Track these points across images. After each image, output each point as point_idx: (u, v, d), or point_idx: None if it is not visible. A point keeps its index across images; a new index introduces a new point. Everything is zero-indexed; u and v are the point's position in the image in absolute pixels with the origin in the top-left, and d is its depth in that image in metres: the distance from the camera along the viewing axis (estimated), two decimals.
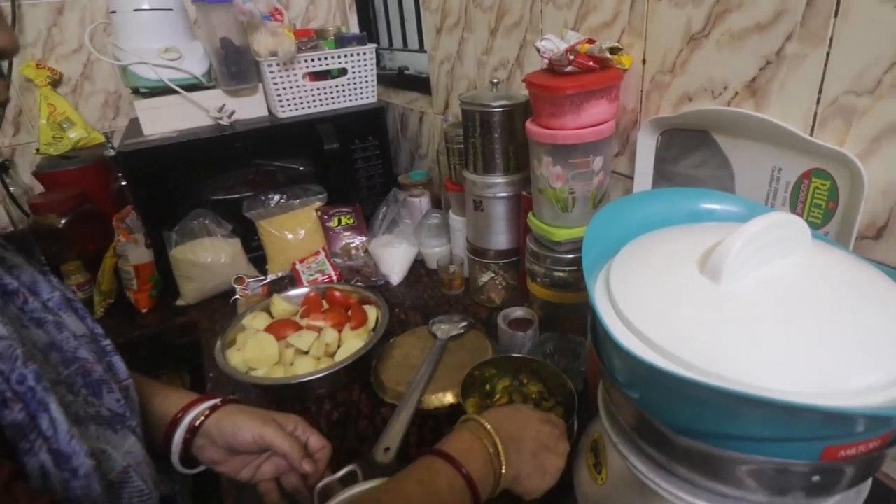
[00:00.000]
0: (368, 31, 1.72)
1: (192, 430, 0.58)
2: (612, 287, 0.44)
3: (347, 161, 1.30)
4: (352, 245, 1.26)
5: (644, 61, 0.73)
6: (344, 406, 0.81)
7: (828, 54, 0.53)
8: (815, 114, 0.55)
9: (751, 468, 0.36)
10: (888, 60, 0.49)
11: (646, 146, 0.74)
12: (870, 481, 0.42)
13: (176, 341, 1.15)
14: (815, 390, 0.33)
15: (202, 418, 0.58)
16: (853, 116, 0.52)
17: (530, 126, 0.77)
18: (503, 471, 0.51)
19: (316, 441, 0.61)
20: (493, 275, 1.03)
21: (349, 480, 0.57)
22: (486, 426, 0.53)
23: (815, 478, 0.35)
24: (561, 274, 0.83)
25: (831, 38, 0.52)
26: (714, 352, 0.35)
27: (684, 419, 0.37)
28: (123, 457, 0.44)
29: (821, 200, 0.56)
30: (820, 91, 0.54)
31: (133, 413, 0.49)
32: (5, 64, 0.41)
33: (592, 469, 0.51)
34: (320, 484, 0.57)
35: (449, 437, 0.53)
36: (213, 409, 0.59)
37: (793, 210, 0.59)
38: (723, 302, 0.39)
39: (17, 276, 0.46)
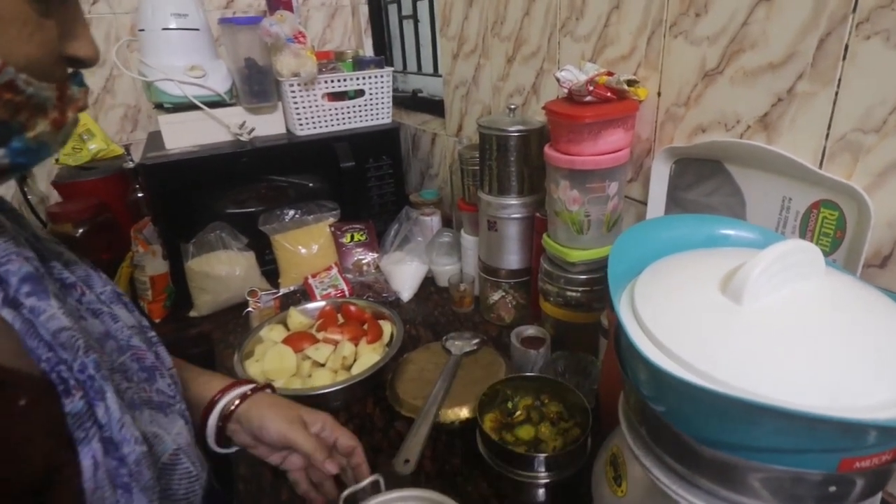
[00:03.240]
0: (383, 54, 1.77)
1: (226, 416, 0.61)
2: (636, 304, 0.46)
3: (361, 179, 1.34)
4: (363, 261, 1.28)
5: (659, 94, 0.76)
6: (359, 418, 0.83)
7: (836, 94, 0.56)
8: (824, 148, 0.59)
9: (771, 478, 0.38)
10: (893, 102, 0.52)
11: (660, 173, 0.77)
12: (879, 496, 0.44)
13: (188, 352, 1.16)
14: (829, 404, 0.35)
15: (234, 406, 0.61)
16: (860, 152, 0.56)
17: (549, 151, 0.80)
18: None
19: (345, 440, 0.63)
20: (503, 293, 1.05)
21: (373, 490, 0.59)
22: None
23: (832, 488, 0.37)
24: (574, 294, 0.85)
25: (839, 79, 0.56)
26: (737, 366, 0.38)
27: (709, 430, 0.39)
28: (174, 439, 0.46)
29: (829, 230, 0.59)
30: (829, 127, 0.58)
31: (181, 397, 0.51)
32: (84, 73, 0.44)
33: (612, 482, 0.53)
34: (345, 493, 0.58)
35: None
36: (244, 397, 0.62)
37: (802, 237, 0.62)
38: (744, 321, 0.41)
39: (74, 271, 0.49)
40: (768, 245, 0.43)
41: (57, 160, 1.45)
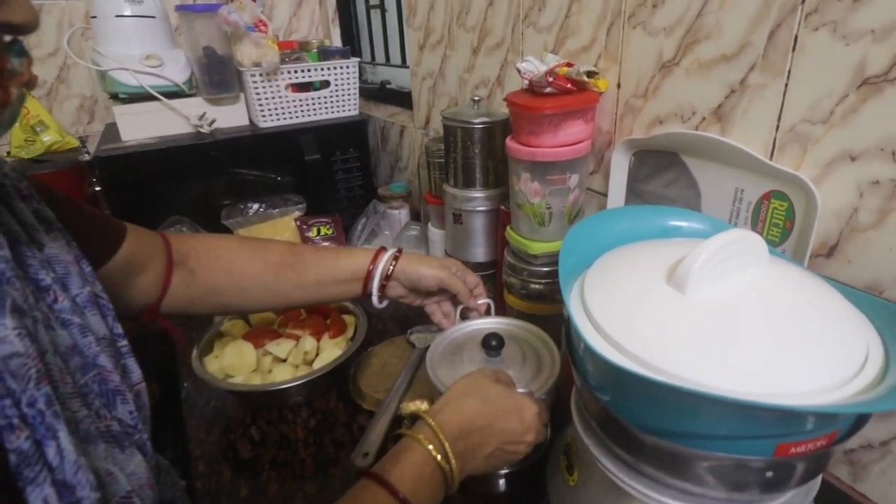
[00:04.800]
0: (351, 45, 1.74)
1: (387, 277, 0.75)
2: (585, 296, 0.46)
3: (328, 172, 1.32)
4: None
5: (619, 85, 0.77)
6: (321, 413, 0.82)
7: (786, 85, 0.57)
8: (775, 139, 0.60)
9: (711, 465, 0.38)
10: (839, 93, 0.53)
11: (619, 165, 0.77)
12: (819, 480, 0.45)
13: (150, 350, 1.13)
14: (768, 391, 0.35)
15: (392, 267, 0.75)
16: (808, 143, 0.57)
17: (510, 143, 0.80)
18: (454, 484, 0.49)
19: (472, 278, 0.79)
20: None
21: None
22: (444, 442, 0.48)
23: (769, 473, 0.38)
24: (536, 286, 0.85)
25: (789, 71, 0.56)
26: (678, 355, 0.38)
27: (650, 419, 0.40)
28: (128, 479, 0.42)
29: (779, 220, 0.60)
30: (779, 119, 0.59)
31: (144, 424, 0.47)
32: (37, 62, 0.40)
33: (565, 471, 0.53)
34: (460, 307, 0.79)
35: (398, 457, 0.48)
36: (396, 258, 0.76)
37: (753, 228, 0.63)
38: (687, 310, 0.41)
39: (54, 269, 0.45)
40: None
41: (9, 153, 1.39)
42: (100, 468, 0.40)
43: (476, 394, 0.54)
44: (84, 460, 0.37)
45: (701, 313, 0.41)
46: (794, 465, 0.38)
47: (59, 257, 0.46)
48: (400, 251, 0.77)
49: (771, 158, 0.60)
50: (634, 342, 0.39)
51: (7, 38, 0.37)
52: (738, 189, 0.64)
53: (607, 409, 0.43)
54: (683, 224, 0.57)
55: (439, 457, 0.47)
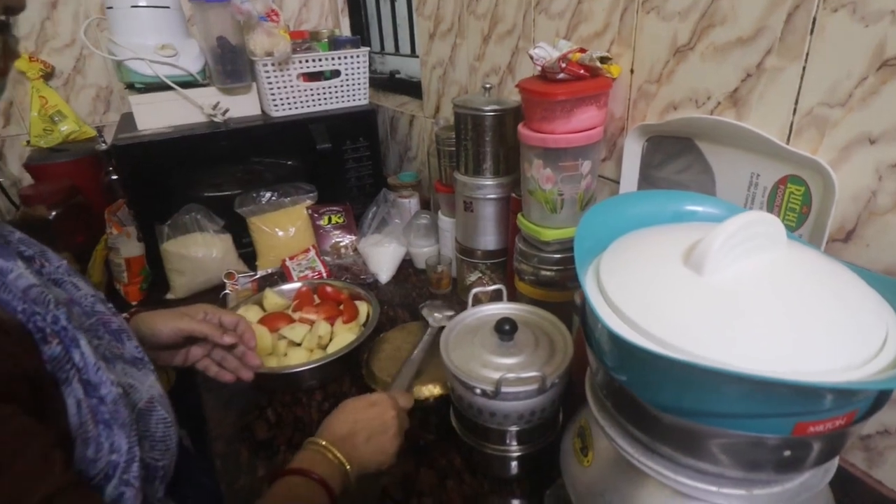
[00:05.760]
0: (360, 34, 1.74)
1: None
2: (601, 278, 0.46)
3: (338, 161, 1.32)
4: (341, 244, 1.27)
5: (632, 71, 0.76)
6: (334, 398, 0.83)
7: (804, 68, 0.57)
8: (792, 123, 0.59)
9: (729, 443, 0.38)
10: (858, 75, 0.52)
11: (632, 151, 0.77)
12: (836, 462, 0.45)
13: None
14: (786, 369, 0.35)
15: None
16: (826, 126, 0.56)
17: (522, 130, 0.79)
18: (348, 468, 0.57)
19: (228, 319, 0.71)
20: (480, 274, 1.05)
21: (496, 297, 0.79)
22: (321, 442, 0.57)
23: (787, 452, 0.38)
24: (548, 273, 0.86)
25: (807, 54, 0.56)
26: (696, 335, 0.38)
27: (669, 398, 0.40)
28: (147, 390, 0.49)
29: (795, 205, 0.60)
30: (796, 102, 0.58)
31: (147, 359, 0.53)
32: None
33: (579, 453, 0.54)
34: (473, 291, 0.76)
35: (294, 459, 0.57)
36: (128, 318, 0.64)
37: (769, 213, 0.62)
38: (704, 291, 0.41)
39: (30, 246, 0.50)
40: None
41: (28, 142, 1.41)
42: (121, 381, 0.46)
43: (334, 412, 0.63)
44: (103, 364, 0.44)
45: (719, 294, 0.41)
46: (812, 445, 0.38)
47: (31, 240, 0.52)
48: (132, 314, 0.68)
49: (788, 142, 0.60)
50: (652, 322, 0.40)
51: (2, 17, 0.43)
52: (753, 174, 0.64)
53: (623, 390, 0.43)
54: (699, 209, 0.57)
55: (326, 452, 0.57)
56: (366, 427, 0.61)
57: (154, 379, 0.52)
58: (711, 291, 0.41)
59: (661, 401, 0.41)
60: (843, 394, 0.37)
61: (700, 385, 0.38)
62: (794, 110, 0.59)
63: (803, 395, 0.36)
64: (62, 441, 0.39)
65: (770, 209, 0.63)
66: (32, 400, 0.39)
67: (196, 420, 0.87)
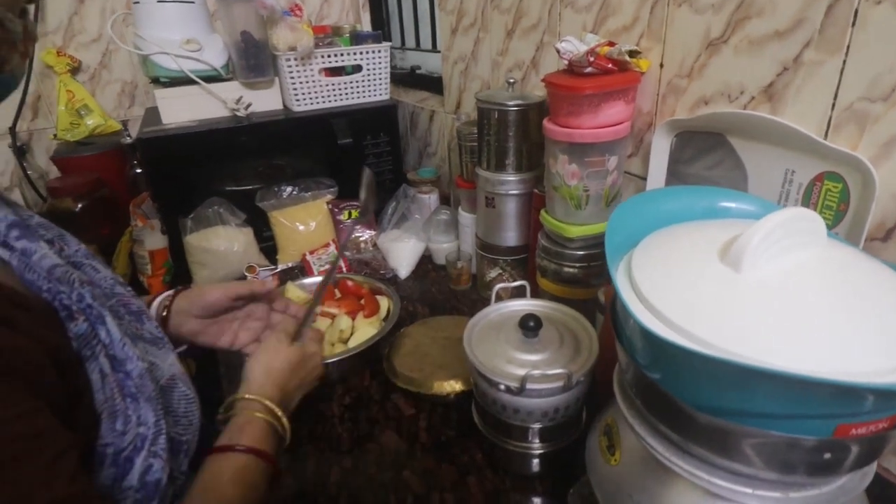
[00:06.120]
0: (381, 29, 1.74)
1: (166, 308, 0.66)
2: (633, 274, 0.46)
3: (359, 156, 1.32)
4: (361, 238, 1.27)
5: (662, 65, 0.75)
6: (356, 391, 0.83)
7: (844, 62, 0.55)
8: (830, 118, 0.57)
9: (767, 444, 0.37)
10: None
11: (660, 147, 0.76)
12: (874, 467, 0.44)
13: None
14: (828, 370, 0.34)
15: (169, 300, 0.66)
16: (867, 122, 0.54)
17: (548, 124, 0.79)
18: (286, 423, 0.57)
19: (259, 285, 0.72)
20: (501, 271, 1.04)
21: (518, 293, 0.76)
22: (266, 403, 0.56)
23: (827, 455, 0.37)
24: (571, 270, 0.85)
25: (848, 47, 0.54)
26: (735, 333, 0.37)
27: (705, 397, 0.39)
28: (168, 368, 0.50)
29: (832, 202, 0.58)
30: (835, 97, 0.57)
31: (167, 339, 0.55)
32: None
33: (606, 451, 0.53)
34: (497, 286, 0.73)
35: (224, 431, 0.54)
36: (176, 292, 0.68)
37: None
38: (742, 288, 0.40)
39: (48, 230, 0.51)
40: None
41: (55, 135, 1.44)
42: (143, 359, 0.47)
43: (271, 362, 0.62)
44: (128, 339, 0.45)
45: (758, 291, 0.40)
46: (852, 447, 0.37)
47: (50, 224, 0.52)
48: (182, 287, 0.70)
49: (825, 138, 0.58)
50: (689, 320, 0.39)
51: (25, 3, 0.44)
52: (788, 170, 0.62)
53: (655, 388, 0.42)
54: (732, 205, 0.55)
55: (259, 413, 0.55)
56: (299, 385, 0.63)
57: (174, 358, 0.53)
58: (750, 288, 0.40)
59: (697, 400, 0.40)
60: (887, 395, 0.35)
61: (740, 384, 0.37)
62: (833, 105, 0.57)
63: (847, 397, 0.34)
64: (79, 444, 0.38)
65: (805, 206, 0.61)
66: (61, 383, 0.39)
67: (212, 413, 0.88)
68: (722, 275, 0.42)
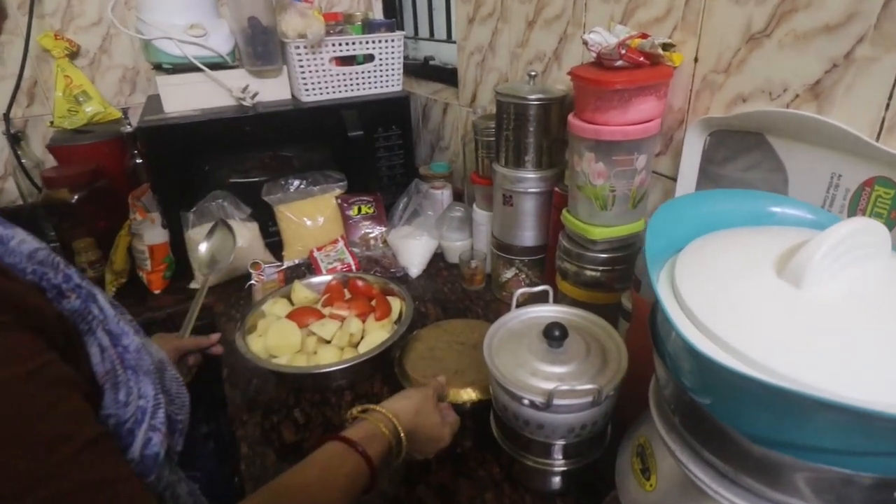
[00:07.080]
0: (394, 18, 1.69)
1: None
2: (678, 286, 0.42)
3: (369, 149, 1.28)
4: (371, 235, 1.24)
5: (696, 59, 0.71)
6: (365, 398, 0.79)
7: None
8: (884, 119, 0.53)
9: (819, 479, 0.34)
10: None
11: (693, 146, 0.72)
12: None
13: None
14: None
15: None
16: None
17: (573, 120, 0.75)
18: (402, 452, 0.58)
19: (205, 341, 0.79)
20: (517, 271, 1.01)
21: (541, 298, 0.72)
22: (398, 426, 0.57)
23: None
24: (593, 273, 0.81)
25: None
26: (801, 359, 0.33)
27: (762, 427, 0.35)
28: (156, 352, 0.52)
29: (883, 210, 0.55)
30: (890, 97, 0.53)
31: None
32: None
33: (640, 475, 0.49)
34: (518, 291, 0.70)
35: (352, 426, 0.57)
36: None
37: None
38: (805, 307, 0.37)
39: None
40: (820, 225, 0.39)
41: (52, 123, 1.39)
42: (138, 334, 0.47)
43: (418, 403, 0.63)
44: (122, 316, 0.45)
45: (822, 311, 0.36)
46: None
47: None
48: None
49: (878, 140, 0.54)
50: (746, 342, 0.35)
51: None
52: (833, 174, 0.58)
53: (699, 410, 0.39)
54: (778, 210, 0.51)
55: (385, 430, 0.56)
56: (426, 440, 0.62)
57: (157, 347, 0.55)
58: (813, 308, 0.37)
59: (751, 429, 0.36)
60: None
61: (802, 416, 0.33)
62: (888, 105, 0.53)
63: None
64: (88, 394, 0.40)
65: (852, 213, 0.57)
66: (68, 348, 0.39)
67: (214, 415, 0.85)
68: (780, 291, 0.38)
